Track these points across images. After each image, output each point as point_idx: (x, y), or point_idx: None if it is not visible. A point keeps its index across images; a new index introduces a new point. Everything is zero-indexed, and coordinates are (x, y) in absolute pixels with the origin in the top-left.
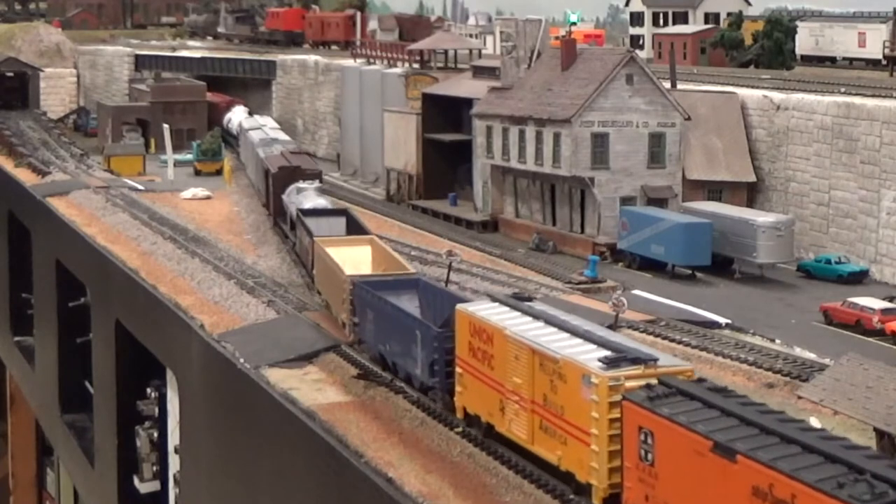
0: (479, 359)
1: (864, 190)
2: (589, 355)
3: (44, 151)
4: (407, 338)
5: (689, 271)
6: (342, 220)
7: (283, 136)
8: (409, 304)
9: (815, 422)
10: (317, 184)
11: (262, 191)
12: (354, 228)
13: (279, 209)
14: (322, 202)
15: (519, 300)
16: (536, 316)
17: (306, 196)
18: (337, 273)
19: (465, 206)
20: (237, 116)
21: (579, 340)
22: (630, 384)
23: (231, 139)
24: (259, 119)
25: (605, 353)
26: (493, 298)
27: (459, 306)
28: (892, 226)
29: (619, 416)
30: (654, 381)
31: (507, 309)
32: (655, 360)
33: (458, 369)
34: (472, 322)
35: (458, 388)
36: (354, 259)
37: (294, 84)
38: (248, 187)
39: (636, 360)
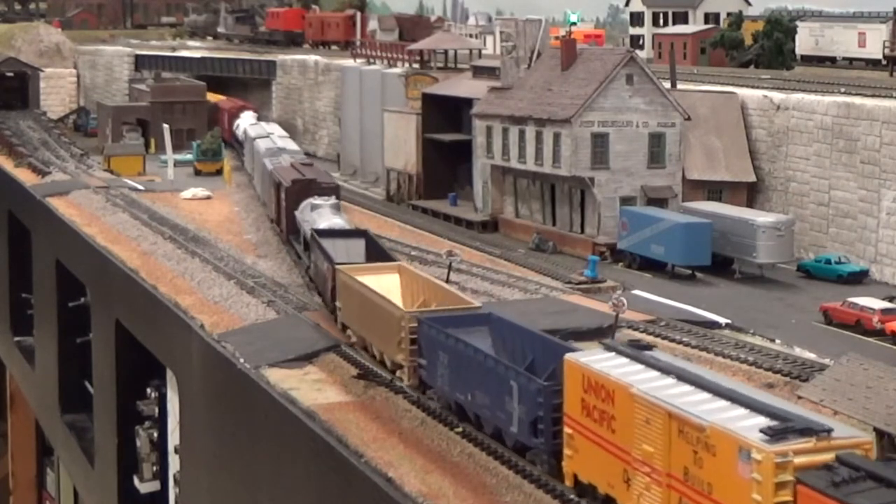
0: (595, 419)
1: (864, 190)
2: (744, 423)
3: (44, 151)
4: (498, 388)
5: (689, 271)
6: (361, 243)
7: (291, 144)
8: (482, 342)
9: None
10: (333, 199)
11: (273, 205)
12: (375, 251)
13: (292, 226)
14: (339, 221)
15: (638, 349)
16: (665, 370)
17: (321, 214)
18: (386, 308)
19: (465, 206)
20: (244, 123)
21: (725, 402)
22: (800, 461)
23: (238, 147)
24: (266, 126)
25: (763, 419)
26: (608, 346)
27: (570, 357)
28: (892, 226)
29: (786, 500)
30: (830, 458)
31: (626, 360)
32: (829, 430)
33: (567, 430)
34: (586, 376)
35: (567, 452)
36: (384, 290)
37: (294, 84)
38: (249, 187)
39: (806, 430)
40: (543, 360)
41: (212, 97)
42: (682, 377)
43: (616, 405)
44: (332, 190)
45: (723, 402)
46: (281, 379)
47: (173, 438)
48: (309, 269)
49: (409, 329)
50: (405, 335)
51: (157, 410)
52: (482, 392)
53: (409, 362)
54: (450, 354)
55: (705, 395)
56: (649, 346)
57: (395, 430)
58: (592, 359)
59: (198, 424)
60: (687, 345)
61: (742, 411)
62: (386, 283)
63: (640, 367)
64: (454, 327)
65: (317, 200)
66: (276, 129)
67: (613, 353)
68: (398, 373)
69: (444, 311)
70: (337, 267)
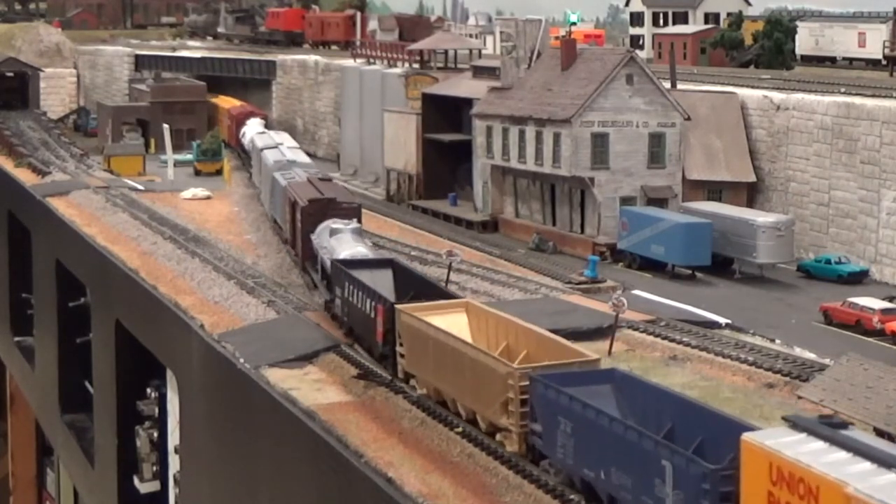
0: None
1: (864, 190)
2: None
3: (44, 151)
4: (644, 468)
5: (689, 271)
6: (388, 274)
7: (303, 157)
8: (605, 404)
9: None
10: (354, 223)
11: (287, 225)
12: (405, 281)
13: (308, 251)
14: (361, 249)
15: (834, 427)
16: (886, 462)
17: (341, 240)
18: (485, 363)
19: (465, 206)
20: (250, 131)
21: None
22: None
23: (244, 156)
24: (274, 136)
25: None
26: (795, 424)
27: (751, 438)
28: (892, 226)
29: None
30: None
31: (824, 444)
32: None
33: None
34: (776, 464)
35: None
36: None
37: (294, 84)
38: (248, 187)
39: None
40: (685, 428)
41: (222, 102)
42: None
43: None
44: (354, 211)
45: None
46: (281, 379)
47: (173, 438)
48: (331, 302)
49: (520, 389)
50: (514, 396)
51: (157, 410)
52: (620, 470)
53: (518, 428)
54: (574, 421)
55: None
56: (844, 424)
57: (395, 430)
58: (782, 441)
59: (198, 424)
60: (687, 345)
61: None
62: (454, 325)
63: (846, 455)
64: (575, 386)
65: (336, 224)
66: (285, 139)
67: (806, 434)
68: (498, 436)
69: (560, 366)
70: (399, 308)
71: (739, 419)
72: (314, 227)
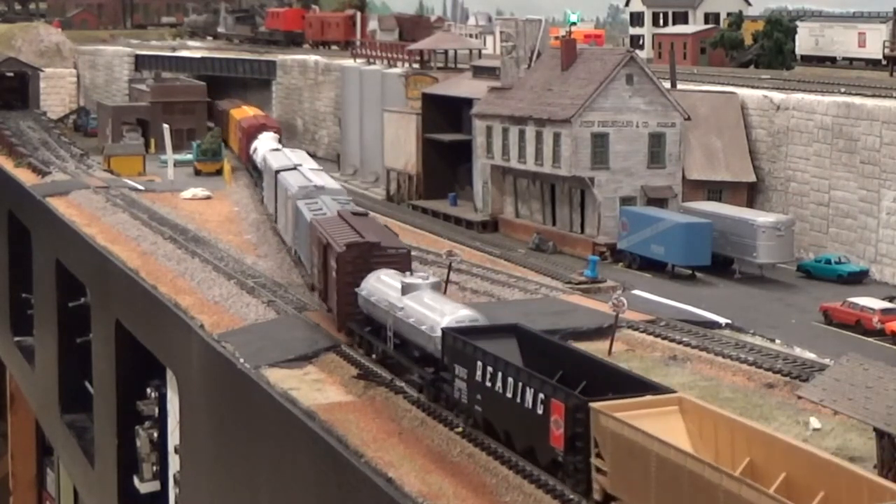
0: None
1: (864, 190)
2: None
3: (44, 151)
4: None
5: (689, 271)
6: (513, 343)
7: (329, 181)
8: None
9: (814, 421)
10: (430, 276)
11: (316, 271)
12: (532, 350)
13: (349, 309)
14: (468, 313)
15: None
16: None
17: (422, 298)
18: None
19: (465, 206)
20: (262, 147)
21: None
22: None
23: (256, 176)
24: (291, 154)
25: None
26: None
27: None
28: (892, 226)
29: None
30: None
31: None
32: None
33: None
34: None
35: None
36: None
37: (294, 84)
38: (248, 187)
39: None
40: None
41: (236, 113)
42: None
43: None
44: (403, 258)
45: None
46: (281, 379)
47: (173, 438)
48: (435, 390)
49: None
50: None
51: (157, 410)
52: None
53: None
54: None
55: None
56: None
57: (395, 430)
58: None
59: (198, 424)
60: (687, 345)
61: None
62: (666, 429)
63: None
64: None
65: (410, 279)
66: (304, 159)
67: None
68: None
69: None
70: (597, 409)
71: None
72: (355, 277)
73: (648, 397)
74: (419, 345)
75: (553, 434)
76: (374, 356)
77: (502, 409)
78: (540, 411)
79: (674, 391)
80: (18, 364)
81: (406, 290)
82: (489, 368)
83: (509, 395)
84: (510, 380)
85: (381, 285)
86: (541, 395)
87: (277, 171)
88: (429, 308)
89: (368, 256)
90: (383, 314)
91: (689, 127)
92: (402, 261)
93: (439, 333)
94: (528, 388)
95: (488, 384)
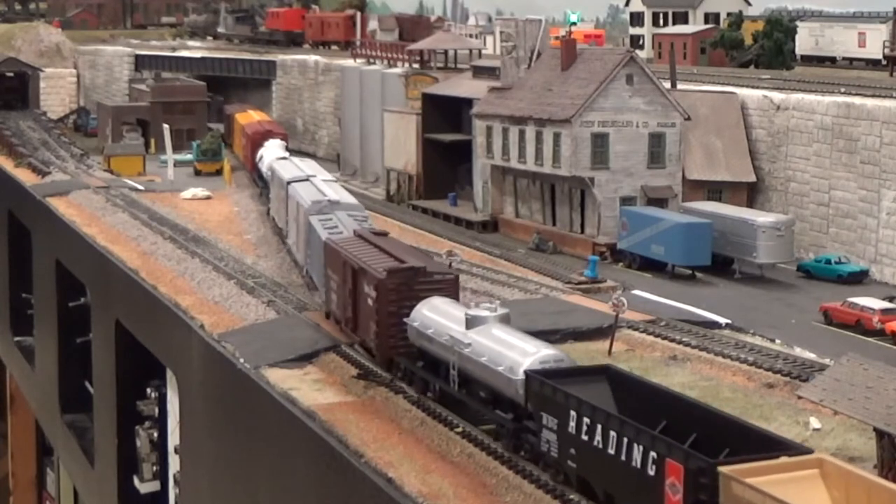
0: None
1: (864, 190)
2: None
3: (44, 151)
4: None
5: (689, 271)
6: (604, 387)
7: (344, 194)
8: None
9: (814, 421)
10: (498, 307)
11: (342, 300)
12: (627, 393)
13: (393, 342)
14: (553, 352)
15: None
16: None
17: (487, 332)
18: None
19: (465, 206)
20: (268, 155)
21: None
22: None
23: (261, 185)
24: (301, 164)
25: None
26: None
27: None
28: (892, 226)
29: None
30: None
31: None
32: None
33: None
34: None
35: None
36: None
37: (294, 84)
38: (248, 187)
39: None
40: None
41: (241, 118)
42: None
43: None
44: (452, 285)
45: None
46: (281, 379)
47: (173, 438)
48: (517, 440)
49: None
50: None
51: (157, 410)
52: None
53: None
54: None
55: None
56: None
57: (395, 430)
58: None
59: (198, 424)
60: (687, 345)
61: None
62: (806, 498)
63: None
64: None
65: (476, 311)
66: (315, 168)
67: None
68: None
69: None
70: (727, 475)
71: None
72: (399, 306)
73: (784, 459)
74: (495, 388)
75: (669, 500)
76: (429, 394)
77: (602, 467)
78: (651, 472)
79: (810, 450)
80: (18, 364)
81: (471, 323)
82: (585, 419)
83: (611, 451)
84: (612, 433)
85: (438, 315)
86: (652, 454)
87: (288, 183)
88: (505, 345)
89: (413, 283)
90: (443, 350)
91: (689, 127)
92: (450, 287)
93: (522, 376)
94: (635, 445)
95: (584, 437)
